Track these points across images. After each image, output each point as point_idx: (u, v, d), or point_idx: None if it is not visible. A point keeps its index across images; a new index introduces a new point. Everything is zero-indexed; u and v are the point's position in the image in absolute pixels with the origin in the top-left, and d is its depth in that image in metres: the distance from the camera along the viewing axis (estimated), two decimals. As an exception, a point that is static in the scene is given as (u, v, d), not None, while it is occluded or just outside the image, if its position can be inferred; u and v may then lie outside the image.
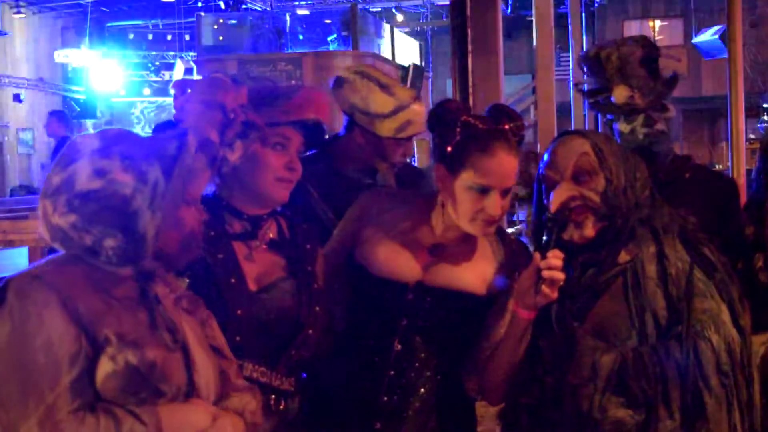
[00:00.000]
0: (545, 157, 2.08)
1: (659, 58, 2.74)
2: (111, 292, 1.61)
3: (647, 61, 2.66)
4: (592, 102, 2.77)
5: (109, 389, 1.52)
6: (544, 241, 1.92)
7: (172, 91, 1.95)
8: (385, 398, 2.04)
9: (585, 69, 2.74)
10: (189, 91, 1.91)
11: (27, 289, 1.53)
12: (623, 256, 2.00)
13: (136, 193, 1.56)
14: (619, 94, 2.65)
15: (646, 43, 2.72)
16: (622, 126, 2.67)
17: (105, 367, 1.53)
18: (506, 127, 2.01)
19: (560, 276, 1.86)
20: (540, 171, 2.09)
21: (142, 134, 1.70)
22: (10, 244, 9.74)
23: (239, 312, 1.94)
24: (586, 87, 2.78)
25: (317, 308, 2.06)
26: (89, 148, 1.59)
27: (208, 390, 1.68)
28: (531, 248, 2.08)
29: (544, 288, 1.86)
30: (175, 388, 1.60)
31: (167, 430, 1.54)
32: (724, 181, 2.88)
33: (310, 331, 2.03)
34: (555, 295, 1.88)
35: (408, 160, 3.01)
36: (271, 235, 2.09)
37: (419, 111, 2.88)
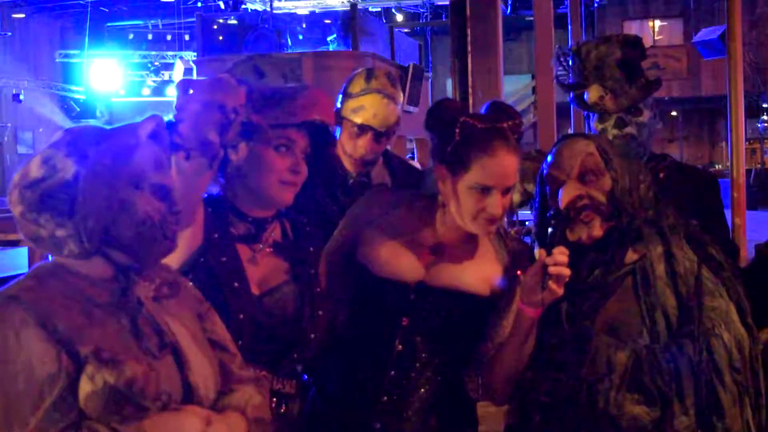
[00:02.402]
0: (549, 158, 2.10)
1: (642, 60, 2.73)
2: (93, 300, 1.59)
3: (625, 63, 2.66)
4: (570, 96, 2.77)
5: (91, 408, 1.51)
6: (548, 239, 1.93)
7: (174, 91, 1.94)
8: (385, 398, 2.04)
9: (568, 62, 2.74)
10: (191, 91, 1.89)
11: (3, 312, 1.51)
12: (631, 256, 2.03)
13: (78, 177, 1.55)
14: (592, 94, 2.68)
15: (629, 44, 2.71)
16: (595, 124, 2.70)
17: (85, 387, 1.51)
18: (505, 125, 2.01)
19: (566, 272, 1.87)
20: (544, 171, 2.11)
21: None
22: (10, 244, 9.75)
23: (242, 316, 1.93)
24: (566, 80, 2.78)
25: (320, 312, 2.05)
26: (49, 143, 1.61)
27: (206, 389, 1.66)
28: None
29: (551, 284, 1.87)
30: (165, 396, 1.57)
31: None
32: (701, 176, 2.87)
33: (313, 336, 2.03)
34: (561, 291, 1.88)
35: (373, 158, 3.10)
36: (275, 238, 2.08)
37: (379, 101, 3.01)
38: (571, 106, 2.88)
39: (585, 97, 2.71)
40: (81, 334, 1.53)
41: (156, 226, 1.61)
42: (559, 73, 2.78)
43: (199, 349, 1.69)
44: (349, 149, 3.06)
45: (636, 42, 2.75)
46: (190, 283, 1.82)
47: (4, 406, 1.47)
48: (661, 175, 2.66)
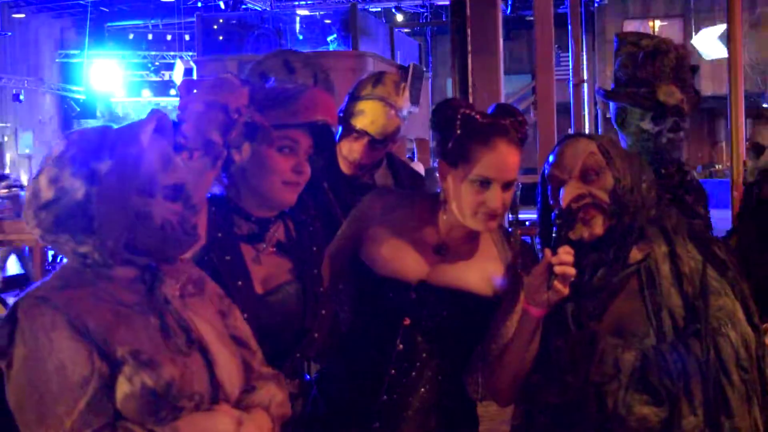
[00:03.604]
0: (551, 157, 2.10)
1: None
2: (121, 300, 1.59)
3: (694, 68, 2.65)
4: (622, 92, 2.69)
5: (128, 410, 1.51)
6: (552, 239, 1.93)
7: (176, 92, 1.95)
8: (385, 397, 2.04)
9: (640, 58, 2.68)
10: (195, 91, 1.90)
11: (34, 313, 1.51)
12: (635, 255, 2.03)
13: (90, 195, 1.54)
14: (670, 95, 2.61)
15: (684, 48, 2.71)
16: (646, 125, 2.63)
17: (123, 388, 1.51)
18: (506, 121, 2.02)
19: (571, 271, 1.87)
20: (546, 171, 2.11)
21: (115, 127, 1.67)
22: (10, 244, 9.77)
23: (245, 315, 1.93)
24: (626, 76, 2.71)
25: (323, 312, 2.05)
26: (53, 155, 1.58)
27: (231, 385, 1.66)
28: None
29: (556, 284, 1.87)
30: (197, 396, 1.58)
31: None
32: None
33: (316, 335, 2.03)
34: (566, 290, 1.89)
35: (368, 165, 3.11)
36: (278, 237, 2.08)
37: (380, 109, 3.03)
38: (572, 106, 2.85)
39: (657, 96, 2.63)
40: (113, 335, 1.53)
41: (176, 227, 1.62)
42: (617, 69, 2.71)
43: (223, 346, 1.69)
44: (345, 151, 3.06)
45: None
46: (212, 281, 1.81)
47: (38, 406, 1.47)
48: (689, 178, 2.65)
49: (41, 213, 1.55)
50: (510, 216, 2.11)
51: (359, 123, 3.02)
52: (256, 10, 20.30)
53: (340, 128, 3.09)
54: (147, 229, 1.59)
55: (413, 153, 17.14)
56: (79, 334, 1.50)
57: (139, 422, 1.51)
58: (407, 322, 2.05)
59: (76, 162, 1.55)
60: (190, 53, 20.99)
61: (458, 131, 1.99)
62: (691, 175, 2.69)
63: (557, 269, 1.87)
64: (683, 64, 2.63)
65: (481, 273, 2.07)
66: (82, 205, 1.54)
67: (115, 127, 1.65)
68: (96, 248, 1.56)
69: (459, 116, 2.00)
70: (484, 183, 1.97)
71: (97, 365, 1.50)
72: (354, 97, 3.06)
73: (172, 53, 24.40)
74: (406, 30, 23.03)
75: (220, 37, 16.25)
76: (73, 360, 1.48)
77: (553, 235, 1.94)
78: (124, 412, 1.51)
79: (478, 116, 2.01)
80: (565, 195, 2.02)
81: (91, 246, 1.56)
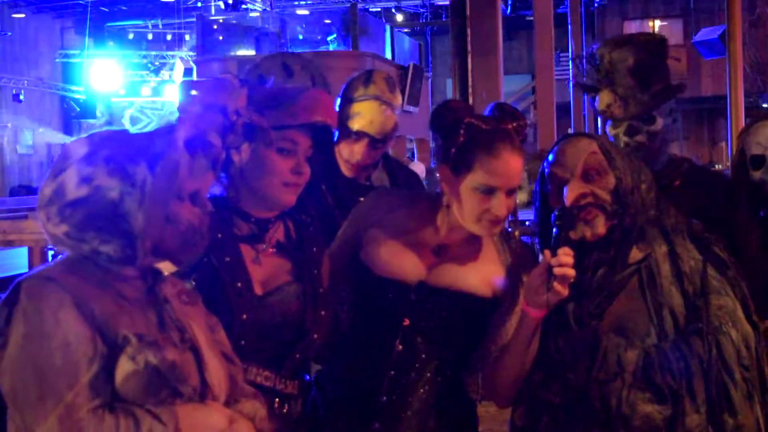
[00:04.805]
0: (551, 156, 2.10)
1: (664, 61, 2.67)
2: (121, 292, 1.62)
3: (638, 70, 2.59)
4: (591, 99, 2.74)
5: (129, 389, 1.53)
6: (552, 240, 1.93)
7: (177, 93, 1.95)
8: (384, 398, 2.04)
9: (583, 66, 2.71)
10: (193, 92, 1.90)
11: (41, 291, 1.53)
12: (635, 255, 2.04)
13: (125, 196, 1.57)
14: (601, 100, 2.62)
15: (646, 48, 2.62)
16: (609, 129, 2.65)
17: (125, 367, 1.53)
18: (510, 126, 2.01)
19: (571, 272, 1.87)
20: (546, 170, 2.11)
21: (133, 131, 1.71)
22: (10, 244, 9.76)
23: (245, 316, 1.94)
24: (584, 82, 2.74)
25: (322, 312, 2.05)
26: (77, 155, 1.60)
27: (219, 389, 1.69)
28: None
29: (556, 285, 1.87)
30: (191, 389, 1.60)
31: (186, 430, 1.55)
32: (719, 181, 2.72)
33: (315, 336, 2.03)
34: (566, 292, 1.89)
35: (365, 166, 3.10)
36: (278, 238, 2.08)
37: (376, 108, 3.02)
38: (572, 106, 2.86)
39: (595, 102, 2.66)
40: (115, 319, 1.56)
41: (197, 231, 1.66)
42: (577, 74, 2.74)
43: (213, 353, 1.72)
44: (346, 154, 3.05)
45: (657, 44, 2.67)
46: (200, 301, 1.84)
47: (39, 380, 1.49)
48: (677, 183, 2.62)
49: (67, 210, 1.57)
50: (510, 216, 2.10)
51: (357, 125, 3.00)
52: (256, 10, 20.31)
53: (335, 132, 3.08)
54: (174, 232, 1.63)
55: (413, 153, 17.14)
56: (84, 315, 1.53)
57: (138, 403, 1.53)
58: (407, 323, 2.05)
59: (111, 162, 1.58)
60: (191, 53, 21.00)
61: (461, 139, 1.99)
62: (681, 182, 2.63)
63: (557, 271, 1.86)
64: (617, 69, 2.60)
65: (481, 274, 2.07)
66: (117, 206, 1.57)
67: (133, 130, 1.69)
68: (120, 249, 1.59)
69: (462, 124, 1.99)
70: (489, 191, 1.97)
71: (100, 348, 1.52)
72: (348, 100, 3.03)
73: (172, 53, 24.41)
74: (406, 30, 23.02)
75: (220, 37, 16.26)
76: (78, 339, 1.51)
77: (553, 235, 1.94)
78: (124, 392, 1.53)
79: (481, 123, 1.99)
80: (569, 194, 2.02)
81: (116, 245, 1.59)
